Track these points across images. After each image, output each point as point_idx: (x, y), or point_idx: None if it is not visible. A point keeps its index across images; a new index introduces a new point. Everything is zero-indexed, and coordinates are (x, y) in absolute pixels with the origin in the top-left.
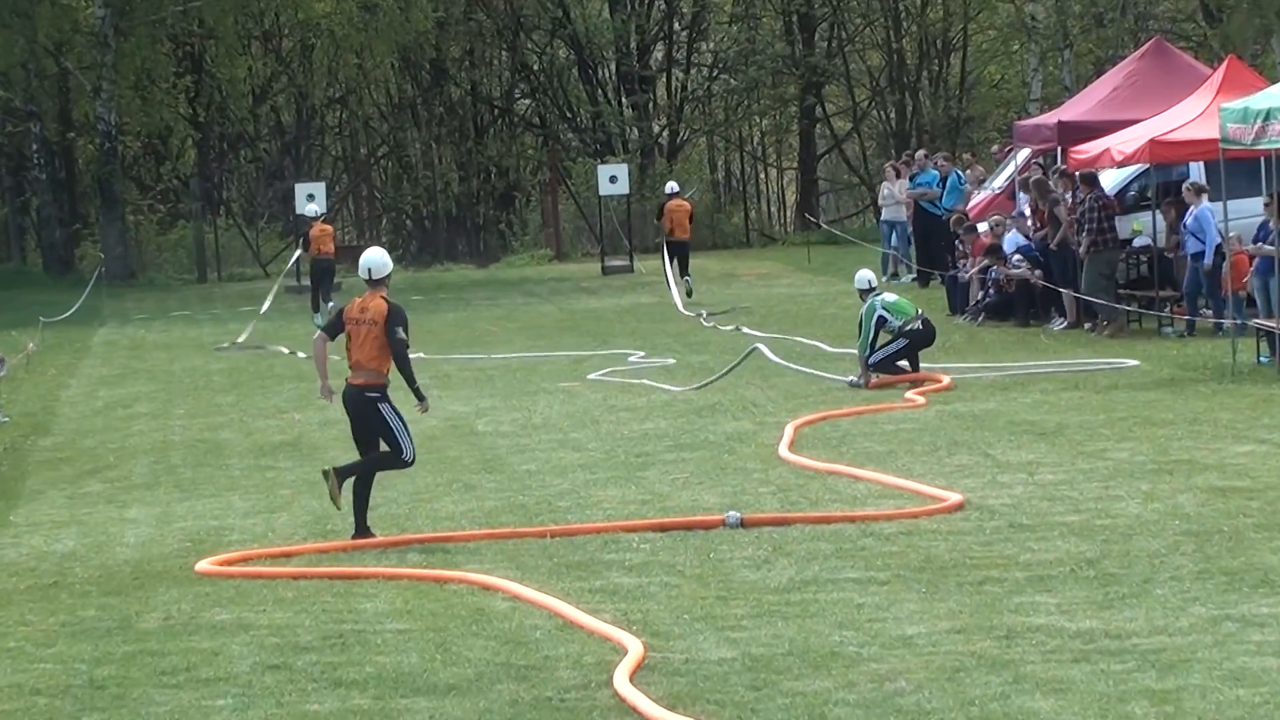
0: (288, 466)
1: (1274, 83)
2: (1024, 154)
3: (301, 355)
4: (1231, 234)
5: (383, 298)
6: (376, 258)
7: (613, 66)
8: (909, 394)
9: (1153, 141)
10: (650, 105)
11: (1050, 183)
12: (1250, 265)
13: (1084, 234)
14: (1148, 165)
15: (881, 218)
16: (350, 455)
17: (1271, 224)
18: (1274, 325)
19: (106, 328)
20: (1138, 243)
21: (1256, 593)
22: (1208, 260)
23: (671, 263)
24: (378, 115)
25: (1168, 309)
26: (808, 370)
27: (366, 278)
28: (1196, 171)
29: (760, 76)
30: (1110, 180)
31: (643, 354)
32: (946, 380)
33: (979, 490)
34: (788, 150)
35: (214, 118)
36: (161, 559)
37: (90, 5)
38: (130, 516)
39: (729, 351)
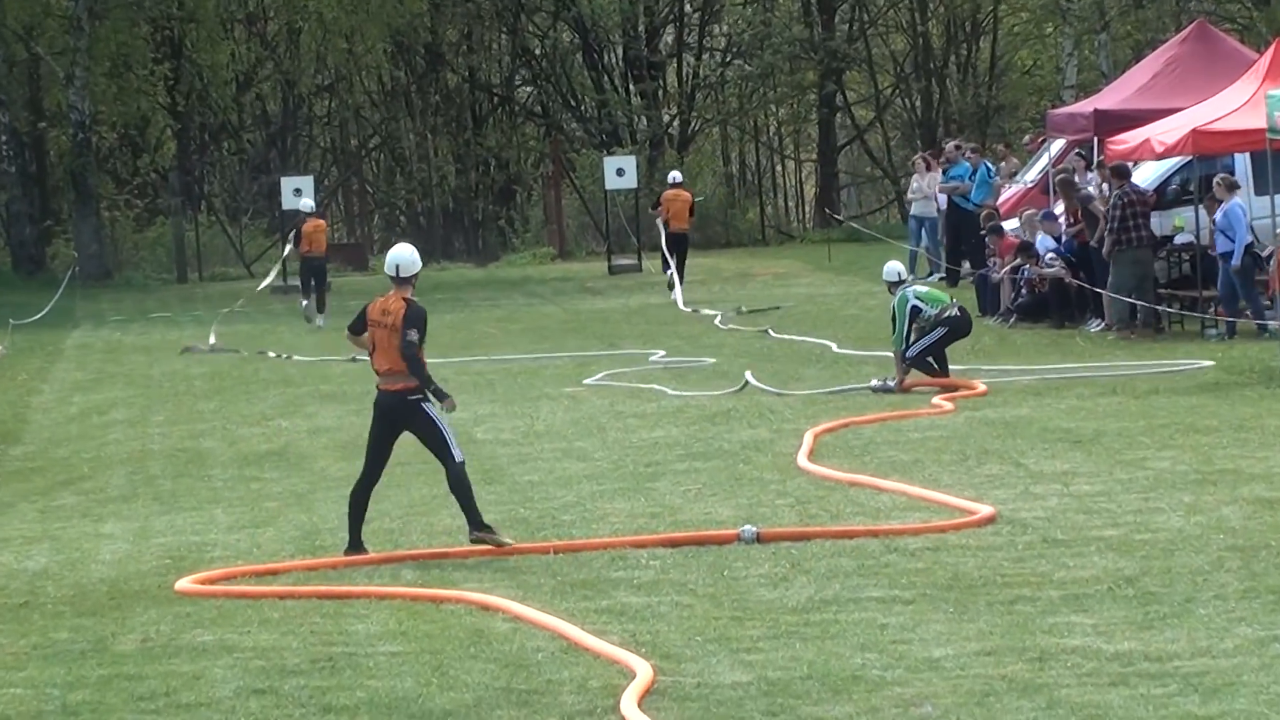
0: (274, 477)
1: None
2: (1058, 145)
3: (277, 355)
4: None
5: (404, 298)
6: (406, 254)
7: (620, 51)
8: (936, 399)
9: (1195, 131)
10: (659, 93)
11: (1078, 179)
12: None
13: (1106, 233)
14: (1190, 157)
15: (910, 213)
16: (340, 464)
17: None
18: None
19: (80, 330)
20: (1179, 240)
21: None
22: (1236, 260)
23: (670, 254)
24: (369, 104)
25: (1212, 310)
26: (829, 389)
27: (393, 274)
28: (1242, 163)
29: (777, 62)
30: (1150, 173)
31: (663, 353)
32: (981, 387)
33: (1011, 502)
34: (806, 141)
35: (194, 107)
36: (139, 577)
37: None
38: (106, 531)
39: (745, 355)
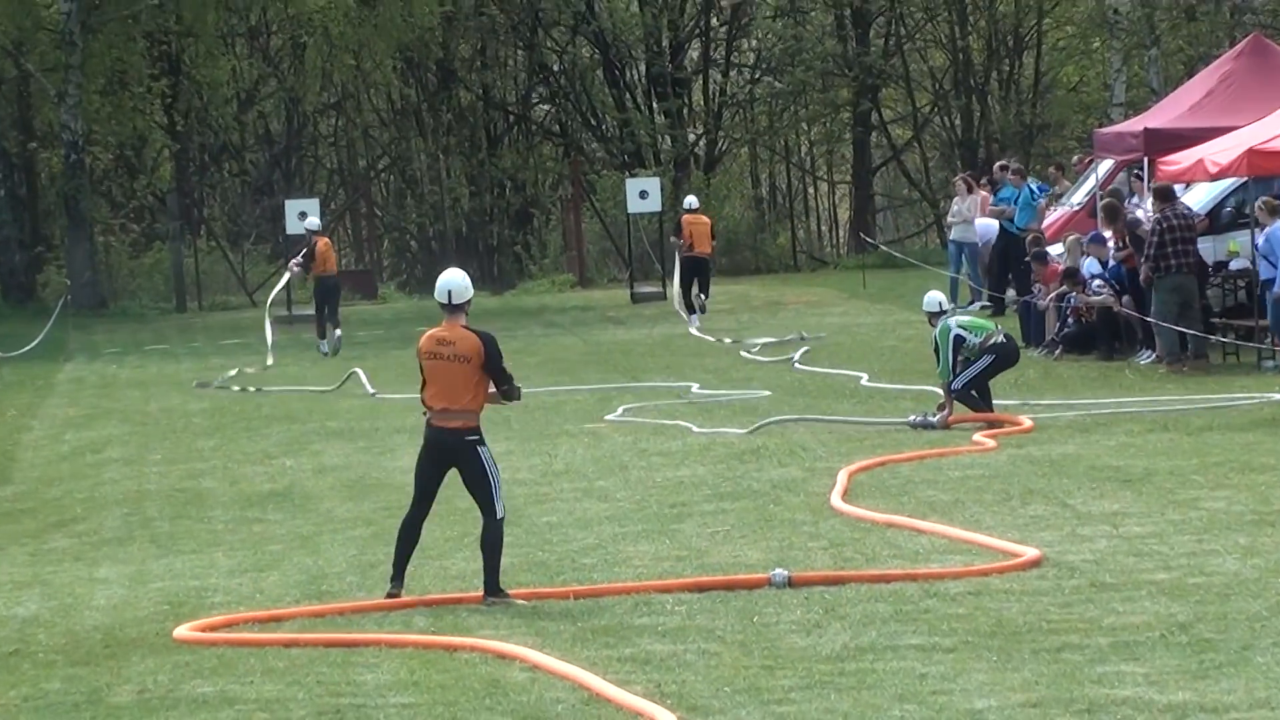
0: (278, 519)
1: None
2: (1105, 166)
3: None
4: None
5: (467, 328)
6: (458, 280)
7: (642, 67)
8: (978, 436)
9: (1251, 151)
10: (685, 111)
11: (1122, 205)
12: None
13: (1143, 260)
14: (1245, 178)
15: (950, 237)
16: (347, 505)
17: None
18: None
19: (73, 363)
20: (1234, 265)
21: None
22: (1278, 287)
23: (691, 282)
24: (378, 123)
25: (1269, 340)
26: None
27: (445, 302)
28: None
29: (809, 78)
30: (1203, 195)
31: (698, 386)
32: (1027, 422)
33: (1057, 545)
34: (840, 162)
35: (194, 126)
36: (135, 624)
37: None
38: (100, 576)
39: (772, 388)
